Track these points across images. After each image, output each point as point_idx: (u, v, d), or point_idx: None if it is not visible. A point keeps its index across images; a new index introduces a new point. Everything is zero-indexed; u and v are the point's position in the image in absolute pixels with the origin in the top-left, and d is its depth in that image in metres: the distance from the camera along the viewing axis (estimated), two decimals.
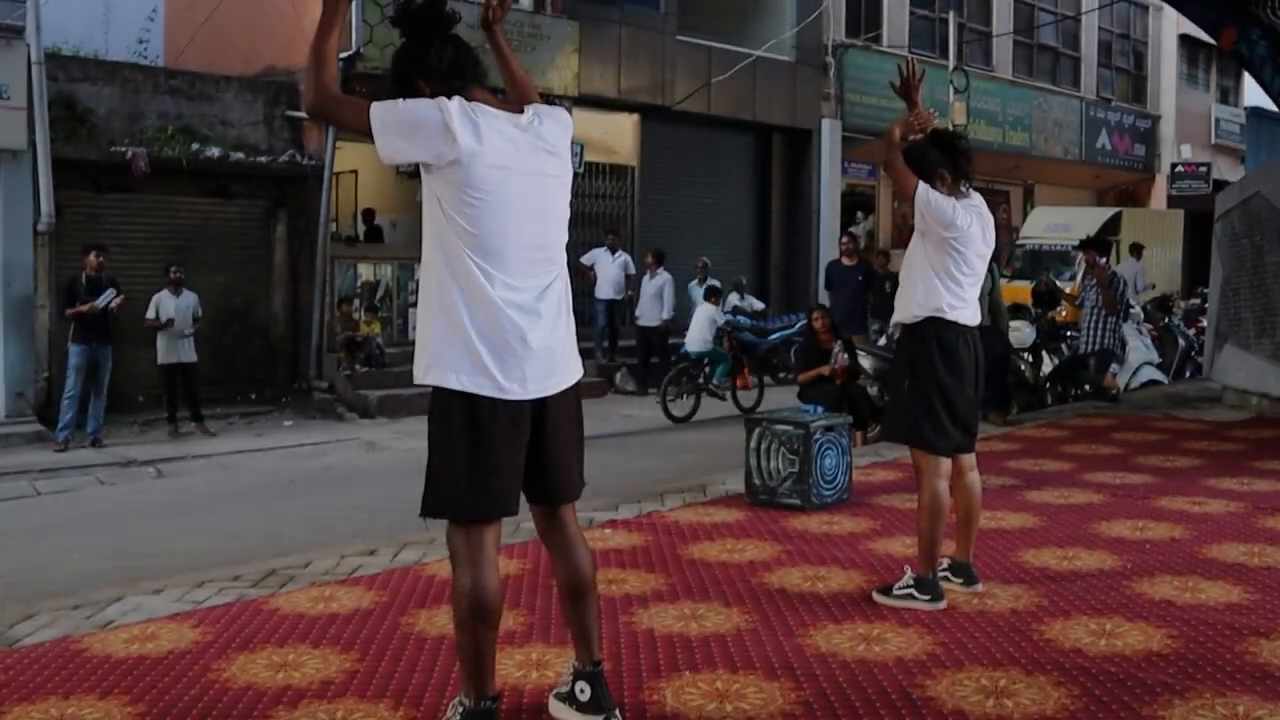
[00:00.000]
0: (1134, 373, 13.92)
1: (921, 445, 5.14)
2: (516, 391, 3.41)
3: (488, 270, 3.37)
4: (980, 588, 5.30)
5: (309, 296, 15.25)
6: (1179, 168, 30.84)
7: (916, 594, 5.08)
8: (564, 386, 3.54)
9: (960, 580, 5.29)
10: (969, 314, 5.17)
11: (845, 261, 13.76)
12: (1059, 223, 23.12)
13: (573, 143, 12.96)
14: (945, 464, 5.16)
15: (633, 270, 17.31)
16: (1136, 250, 20.98)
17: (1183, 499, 7.41)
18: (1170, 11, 29.83)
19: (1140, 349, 14.16)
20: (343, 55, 14.64)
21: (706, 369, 14.59)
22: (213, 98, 14.87)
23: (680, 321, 16.71)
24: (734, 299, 18.32)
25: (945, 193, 5.11)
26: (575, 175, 14.90)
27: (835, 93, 21.79)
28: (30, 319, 13.04)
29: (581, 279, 17.40)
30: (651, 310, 16.58)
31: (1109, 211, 24.13)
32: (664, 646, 4.59)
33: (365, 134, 3.32)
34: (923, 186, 5.06)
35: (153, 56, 17.89)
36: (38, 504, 10.01)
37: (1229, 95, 34.79)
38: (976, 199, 5.25)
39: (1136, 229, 23.50)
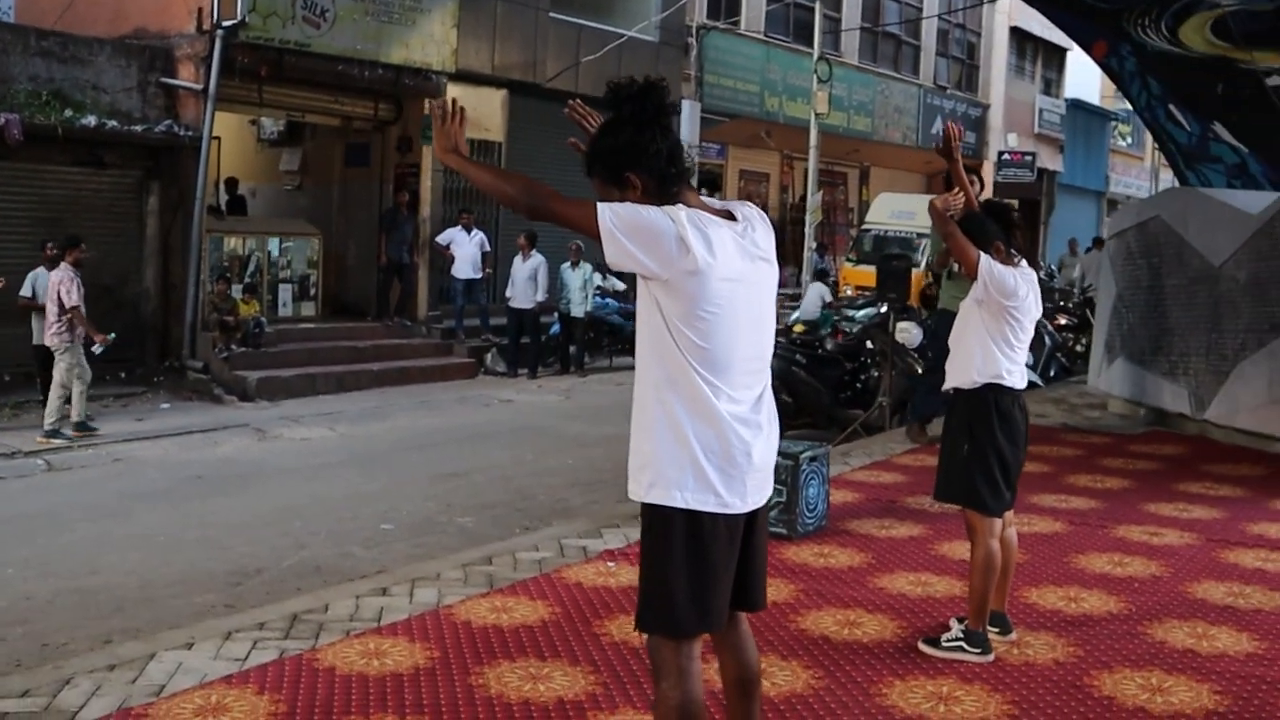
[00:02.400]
0: None
1: (978, 508, 5.35)
2: (737, 505, 3.36)
3: (714, 383, 3.29)
4: (1014, 636, 5.58)
5: (182, 272, 14.78)
6: (1005, 155, 32.15)
7: (967, 646, 5.31)
8: (769, 496, 3.54)
9: (997, 629, 5.52)
10: (1021, 378, 5.41)
11: None
12: (904, 210, 23.79)
13: None
14: (998, 524, 5.39)
15: (489, 248, 17.28)
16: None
17: (1137, 529, 7.84)
18: (1003, 4, 31.03)
19: None
20: (226, 24, 14.21)
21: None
22: (85, 61, 14.21)
23: (550, 302, 16.90)
24: (596, 280, 18.47)
25: (1000, 262, 5.33)
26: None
27: (695, 74, 22.01)
28: None
29: (440, 258, 17.36)
30: (525, 292, 16.59)
31: None
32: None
33: (589, 234, 3.18)
34: (985, 258, 5.25)
35: (4, 10, 16.93)
36: None
37: (1051, 87, 36.35)
38: (1025, 266, 5.46)
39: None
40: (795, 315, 15.72)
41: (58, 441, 11.60)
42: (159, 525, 8.76)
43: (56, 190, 14.07)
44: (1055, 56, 36.41)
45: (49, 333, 11.89)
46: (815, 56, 20.23)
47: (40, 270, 12.52)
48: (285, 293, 16.06)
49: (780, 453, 7.38)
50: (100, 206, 14.50)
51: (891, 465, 9.75)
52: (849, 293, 21.70)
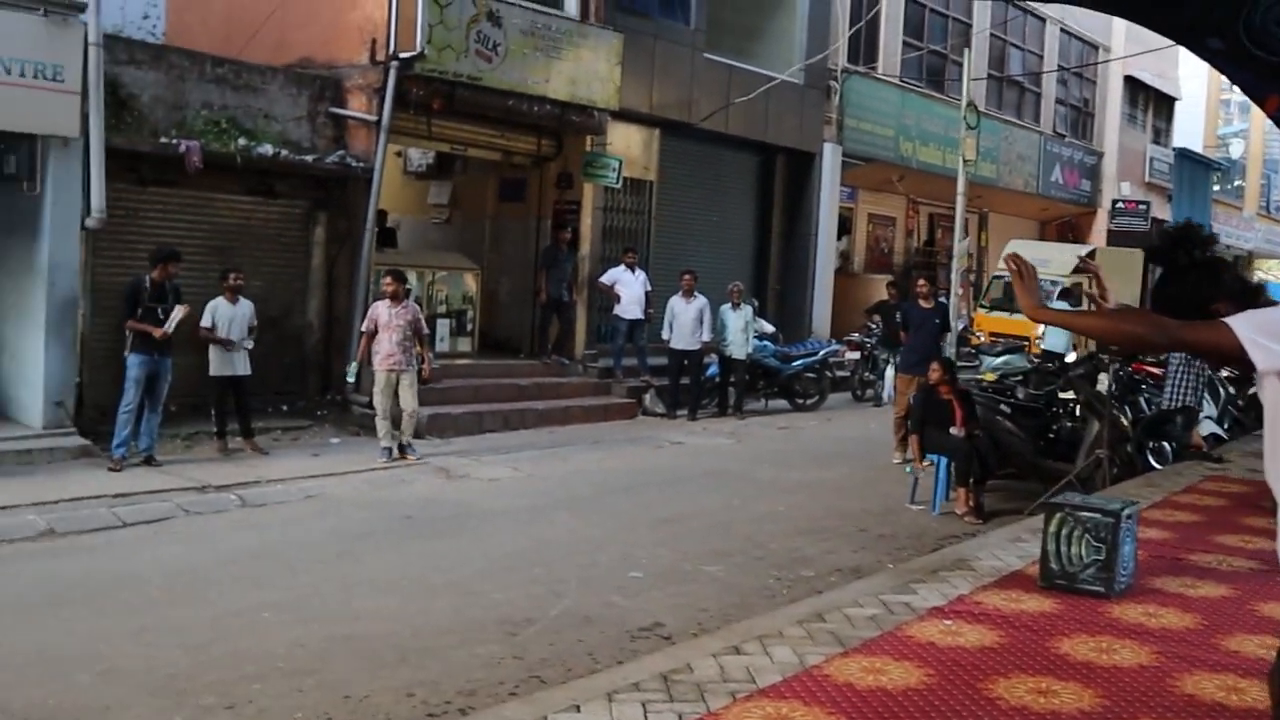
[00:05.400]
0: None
1: None
2: None
3: None
4: None
5: (346, 304, 14.45)
6: (1120, 204, 31.51)
7: None
8: None
9: None
10: None
11: (923, 304, 13.48)
12: (1037, 257, 23.17)
13: (611, 157, 12.88)
14: None
15: (650, 287, 16.90)
16: None
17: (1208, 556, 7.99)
18: (1118, 52, 30.51)
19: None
20: (403, 55, 13.95)
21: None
22: (257, 90, 13.96)
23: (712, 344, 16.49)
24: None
25: None
26: (611, 191, 14.42)
27: (836, 117, 21.61)
28: (73, 322, 12.02)
29: (602, 296, 17.01)
30: (689, 333, 16.15)
31: (1083, 248, 24.42)
32: None
33: (1229, 351, 3.17)
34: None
35: (156, 33, 16.79)
36: (139, 539, 9.15)
37: (1160, 136, 35.71)
38: None
39: (1106, 266, 23.69)
40: (1005, 359, 15.23)
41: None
42: (395, 568, 8.35)
43: (228, 219, 13.79)
44: (1165, 106, 35.82)
45: (395, 358, 12.29)
46: (964, 102, 19.69)
47: (220, 300, 12.22)
48: (443, 328, 15.64)
49: (1098, 509, 6.96)
50: (269, 236, 14.20)
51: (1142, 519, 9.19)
52: (982, 340, 21.22)
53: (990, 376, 13.89)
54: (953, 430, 10.80)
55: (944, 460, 10.82)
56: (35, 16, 11.10)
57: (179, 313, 11.46)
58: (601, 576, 8.22)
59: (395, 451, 12.40)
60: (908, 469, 11.17)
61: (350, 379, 12.52)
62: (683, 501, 10.90)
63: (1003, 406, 12.05)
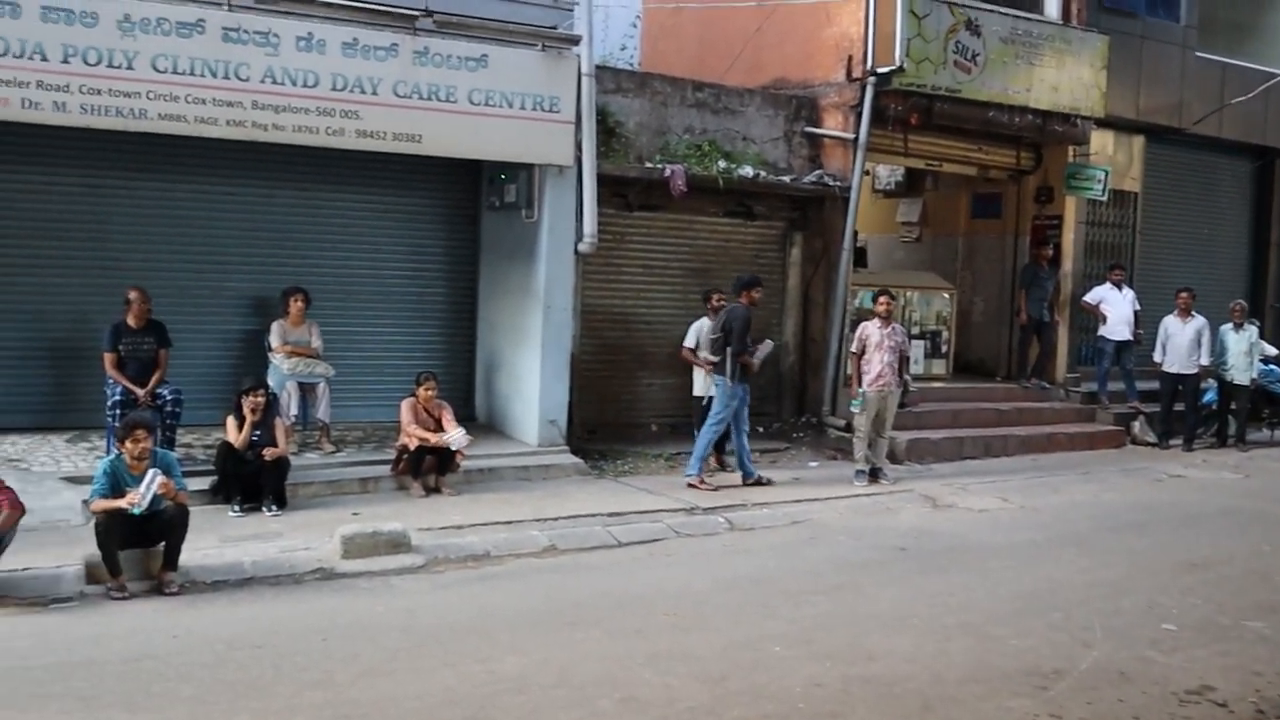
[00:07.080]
0: None
1: None
2: None
3: None
4: None
5: (821, 325, 14.27)
6: None
7: None
8: None
9: None
10: None
11: None
12: None
13: (1097, 168, 11.90)
14: None
15: (1139, 307, 15.70)
16: None
17: None
18: None
19: None
20: (881, 70, 13.62)
21: None
22: (735, 112, 14.05)
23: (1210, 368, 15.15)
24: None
25: None
26: (1094, 204, 12.37)
27: None
28: (567, 344, 12.41)
29: (1086, 316, 16.03)
30: (1185, 356, 14.92)
31: None
32: None
33: None
34: None
35: (634, 64, 17.34)
36: (635, 559, 9.22)
37: None
38: None
39: None
40: None
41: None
42: (900, 604, 7.95)
43: (707, 241, 13.96)
44: None
45: (885, 379, 12.04)
46: None
47: (704, 321, 12.28)
48: (917, 349, 15.11)
49: None
50: (745, 258, 14.21)
51: None
52: None
53: None
54: None
55: None
56: (534, 52, 11.54)
57: (766, 348, 11.97)
58: (1129, 626, 7.49)
59: (868, 476, 12.10)
60: None
61: (855, 408, 12.21)
62: (1203, 544, 9.91)
63: None
